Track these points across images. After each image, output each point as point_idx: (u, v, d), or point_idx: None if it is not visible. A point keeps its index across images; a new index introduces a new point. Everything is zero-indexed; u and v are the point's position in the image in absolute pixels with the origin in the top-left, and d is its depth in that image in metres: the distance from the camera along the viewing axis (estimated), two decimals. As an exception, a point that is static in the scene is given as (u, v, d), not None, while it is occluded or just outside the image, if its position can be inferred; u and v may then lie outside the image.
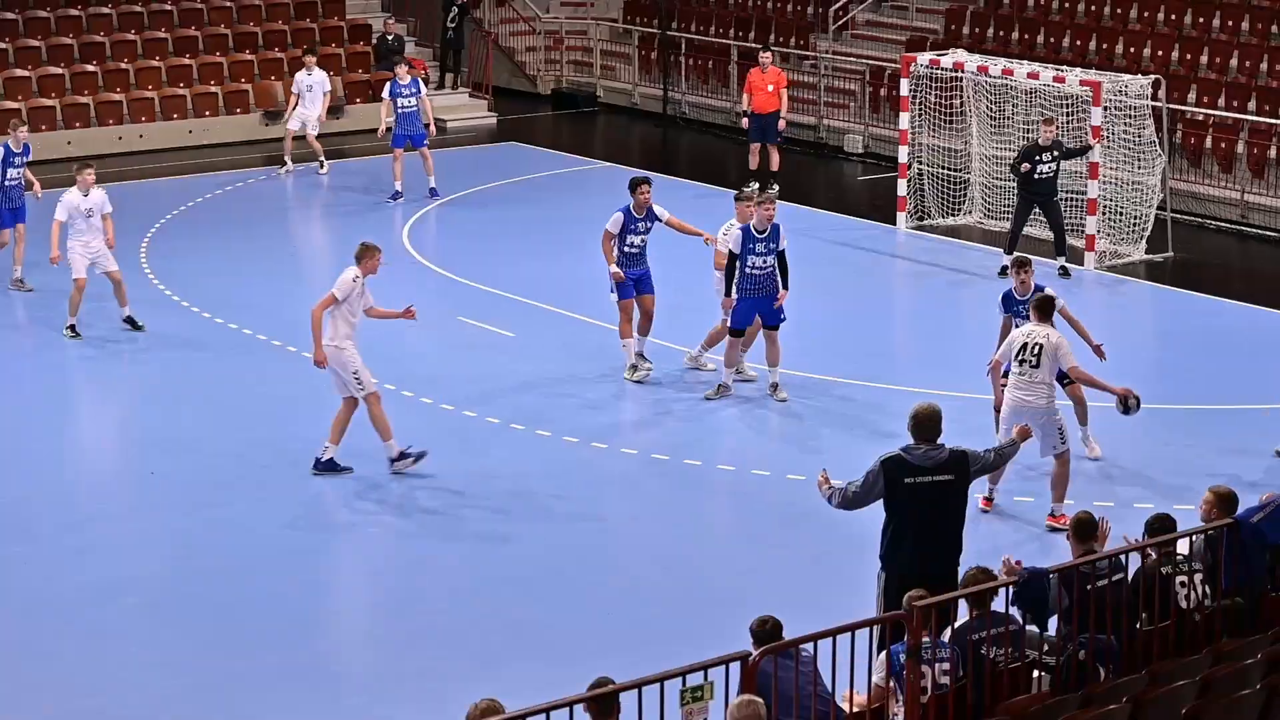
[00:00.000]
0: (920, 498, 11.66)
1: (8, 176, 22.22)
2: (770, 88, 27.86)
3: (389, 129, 27.37)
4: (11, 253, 22.42)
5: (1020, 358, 15.33)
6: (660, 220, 18.97)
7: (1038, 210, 23.30)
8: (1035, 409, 15.17)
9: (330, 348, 16.21)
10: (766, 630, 10.15)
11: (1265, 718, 9.70)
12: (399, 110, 27.17)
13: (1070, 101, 24.60)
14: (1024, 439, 13.05)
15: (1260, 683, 9.84)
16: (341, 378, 16.36)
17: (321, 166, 29.05)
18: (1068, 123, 24.85)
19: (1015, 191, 23.42)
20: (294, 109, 28.99)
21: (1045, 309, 15.69)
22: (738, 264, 17.97)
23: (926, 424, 11.76)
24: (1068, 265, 23.20)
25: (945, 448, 11.78)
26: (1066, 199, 24.44)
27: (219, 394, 18.95)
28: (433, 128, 28.01)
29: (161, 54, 32.49)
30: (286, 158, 29.30)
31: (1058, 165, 22.90)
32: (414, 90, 27.34)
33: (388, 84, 27.76)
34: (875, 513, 11.97)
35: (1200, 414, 18.14)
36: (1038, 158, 22.77)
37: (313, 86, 29.06)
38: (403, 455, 16.50)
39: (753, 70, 28.43)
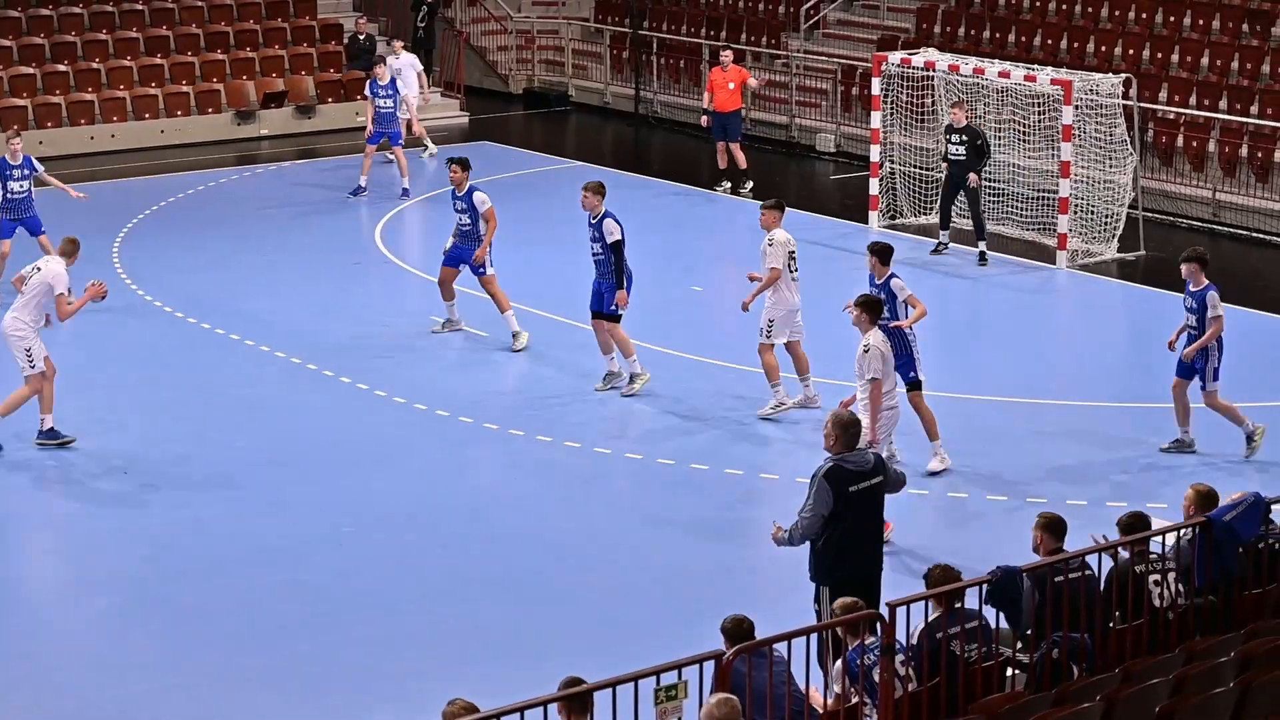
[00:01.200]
0: (861, 504, 11.77)
1: (9, 190, 22.15)
2: (731, 86, 27.88)
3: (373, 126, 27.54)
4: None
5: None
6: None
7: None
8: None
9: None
10: (743, 630, 10.17)
11: (1239, 716, 9.73)
12: (376, 109, 27.28)
13: (1042, 100, 24.67)
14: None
15: (1233, 680, 9.87)
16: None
17: (428, 151, 29.89)
18: (1039, 121, 24.94)
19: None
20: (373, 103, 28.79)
21: (874, 310, 15.11)
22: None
23: (852, 429, 11.91)
24: (987, 252, 23.80)
25: (867, 451, 12.09)
26: (1039, 198, 24.56)
27: (191, 393, 18.90)
28: (416, 126, 28.29)
29: (133, 54, 32.41)
30: (426, 142, 29.98)
31: (967, 150, 23.56)
32: (392, 91, 27.45)
33: (368, 83, 27.85)
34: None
35: (1172, 412, 18.17)
36: (948, 139, 23.76)
37: (401, 69, 29.37)
38: (53, 432, 17.02)
39: (714, 69, 28.48)
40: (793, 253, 17.94)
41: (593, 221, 18.52)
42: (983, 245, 23.84)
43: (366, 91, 27.85)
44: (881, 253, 16.57)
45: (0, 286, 22.07)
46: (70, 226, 25.72)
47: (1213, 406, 16.84)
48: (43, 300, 17.30)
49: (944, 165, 24.21)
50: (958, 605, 10.54)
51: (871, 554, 11.90)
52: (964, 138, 23.62)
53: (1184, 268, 17.02)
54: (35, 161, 22.74)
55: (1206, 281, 16.85)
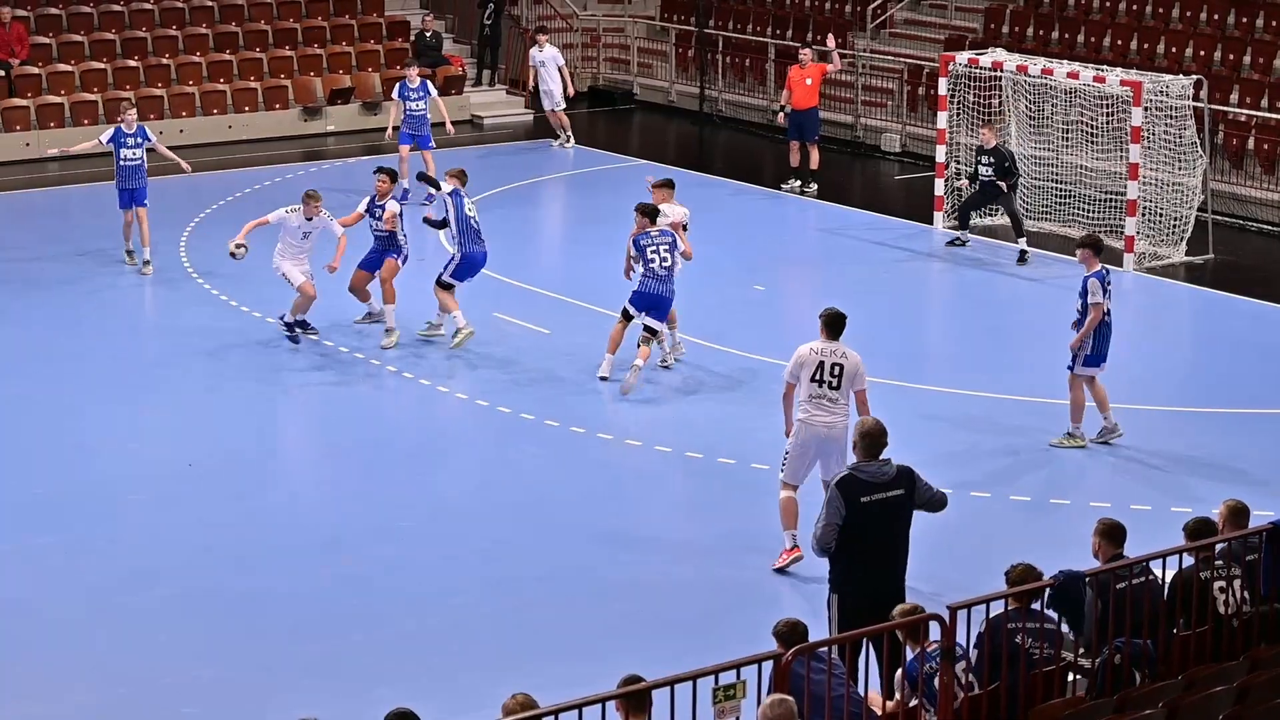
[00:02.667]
0: (874, 516, 11.48)
1: (122, 158, 23.19)
2: (809, 81, 27.81)
3: (396, 129, 27.54)
4: (139, 234, 23.21)
5: (817, 378, 14.22)
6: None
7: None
8: (836, 436, 14.17)
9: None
10: (796, 633, 10.10)
11: (1302, 724, 9.62)
12: (407, 112, 27.29)
13: (1110, 101, 24.50)
14: None
15: (1298, 689, 9.77)
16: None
17: (567, 141, 30.91)
18: (1108, 122, 24.77)
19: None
20: (532, 86, 30.47)
21: (836, 326, 14.42)
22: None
23: (876, 439, 11.61)
24: (1026, 249, 23.89)
25: (891, 461, 11.64)
26: (1107, 200, 24.44)
27: (255, 387, 18.98)
28: (448, 127, 28.34)
29: (202, 50, 32.59)
30: (559, 130, 30.97)
31: (994, 172, 23.81)
32: (423, 94, 27.37)
33: (397, 85, 27.88)
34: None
35: (1239, 418, 18.02)
36: (977, 159, 24.12)
37: (545, 62, 30.27)
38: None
39: (793, 68, 28.39)
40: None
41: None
42: (1023, 243, 23.91)
43: (395, 94, 27.78)
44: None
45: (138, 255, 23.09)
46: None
47: (1070, 387, 17.12)
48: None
49: (973, 185, 24.45)
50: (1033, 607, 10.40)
51: (887, 568, 11.54)
52: (992, 159, 23.77)
53: (1078, 252, 17.49)
54: (149, 131, 23.69)
55: (1098, 268, 17.10)
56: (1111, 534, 11.18)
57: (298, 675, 12.95)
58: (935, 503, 11.88)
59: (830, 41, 28.97)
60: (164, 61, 31.94)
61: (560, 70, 30.85)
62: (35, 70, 30.90)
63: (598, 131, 33.56)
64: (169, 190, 25.67)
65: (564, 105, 30.92)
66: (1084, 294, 16.96)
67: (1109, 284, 17.12)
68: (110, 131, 23.47)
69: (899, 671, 10.23)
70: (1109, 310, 17.05)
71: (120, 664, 13.14)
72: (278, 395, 18.78)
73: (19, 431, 17.75)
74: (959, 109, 26.01)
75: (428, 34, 33.64)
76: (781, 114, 28.37)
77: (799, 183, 27.94)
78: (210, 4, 33.36)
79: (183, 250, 24.13)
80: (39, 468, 16.80)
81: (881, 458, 11.63)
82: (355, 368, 19.59)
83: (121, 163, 23.25)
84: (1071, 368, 17.06)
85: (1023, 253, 23.86)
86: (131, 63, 31.69)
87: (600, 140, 32.36)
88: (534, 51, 31.08)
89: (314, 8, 34.32)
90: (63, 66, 31.22)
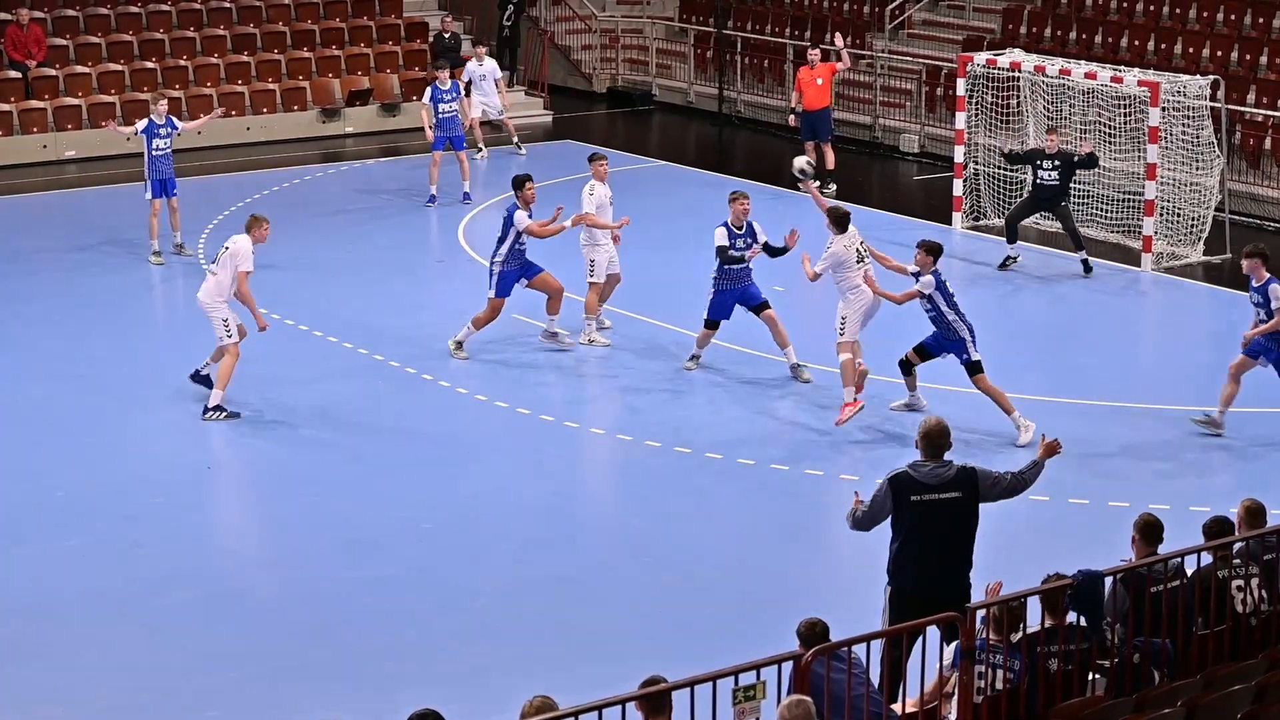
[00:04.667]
0: (927, 515, 11.39)
1: (154, 148, 23.79)
2: (819, 82, 27.81)
3: (433, 128, 27.56)
4: (168, 222, 23.91)
5: (857, 261, 17.83)
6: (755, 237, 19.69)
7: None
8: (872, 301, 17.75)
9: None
10: (815, 633, 10.11)
11: (1321, 723, 9.63)
12: (439, 115, 27.29)
13: (1128, 102, 24.49)
14: (1050, 456, 12.16)
15: (1317, 688, 9.78)
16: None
17: (519, 148, 30.51)
18: (1125, 123, 24.76)
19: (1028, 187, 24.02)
20: (470, 98, 29.46)
21: (843, 223, 18.04)
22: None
23: (935, 440, 11.48)
24: (1089, 259, 23.49)
25: (953, 464, 11.50)
26: (1125, 200, 24.41)
27: (271, 388, 19.02)
28: (477, 124, 28.47)
29: (220, 51, 32.68)
30: (480, 144, 30.20)
31: (1060, 174, 23.33)
32: (454, 95, 27.46)
33: (428, 89, 27.85)
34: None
35: (1258, 417, 18.02)
36: (1039, 163, 23.47)
37: (485, 75, 29.77)
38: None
39: (801, 68, 28.42)
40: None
41: (739, 229, 19.64)
42: (1083, 254, 23.50)
43: (426, 98, 27.70)
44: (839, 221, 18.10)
45: (164, 244, 23.68)
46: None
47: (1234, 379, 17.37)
48: (230, 275, 17.94)
49: (1028, 189, 24.07)
50: (1066, 623, 10.35)
51: (941, 569, 11.44)
52: (1057, 163, 23.32)
53: (1245, 263, 17.41)
54: (177, 122, 24.40)
55: (1268, 275, 17.15)
56: (1145, 531, 11.16)
57: (321, 677, 13.00)
58: (1013, 488, 11.68)
59: (839, 40, 29.00)
60: (182, 63, 32.04)
61: (498, 83, 29.94)
62: (53, 72, 31.01)
63: (616, 132, 33.60)
64: (187, 191, 25.74)
65: (506, 114, 30.14)
66: (1264, 302, 17.14)
67: None
68: (144, 123, 23.90)
69: (953, 645, 10.21)
70: None
71: (144, 667, 13.18)
72: (298, 397, 18.82)
73: (41, 434, 17.82)
74: (977, 109, 26.01)
75: (446, 35, 33.71)
76: (793, 116, 28.39)
77: (818, 183, 27.92)
78: (228, 5, 33.47)
79: (201, 252, 24.20)
80: (60, 470, 16.86)
81: (944, 459, 11.49)
82: (375, 370, 19.64)
83: (154, 153, 23.75)
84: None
85: (1085, 263, 23.42)
86: (149, 64, 31.79)
87: (619, 141, 32.39)
88: (472, 65, 29.79)
89: (332, 9, 34.40)
90: (80, 68, 31.33)
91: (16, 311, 21.84)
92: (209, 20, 33.17)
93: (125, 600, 14.21)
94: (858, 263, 17.95)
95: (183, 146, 30.56)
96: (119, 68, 31.52)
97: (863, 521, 11.64)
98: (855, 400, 17.72)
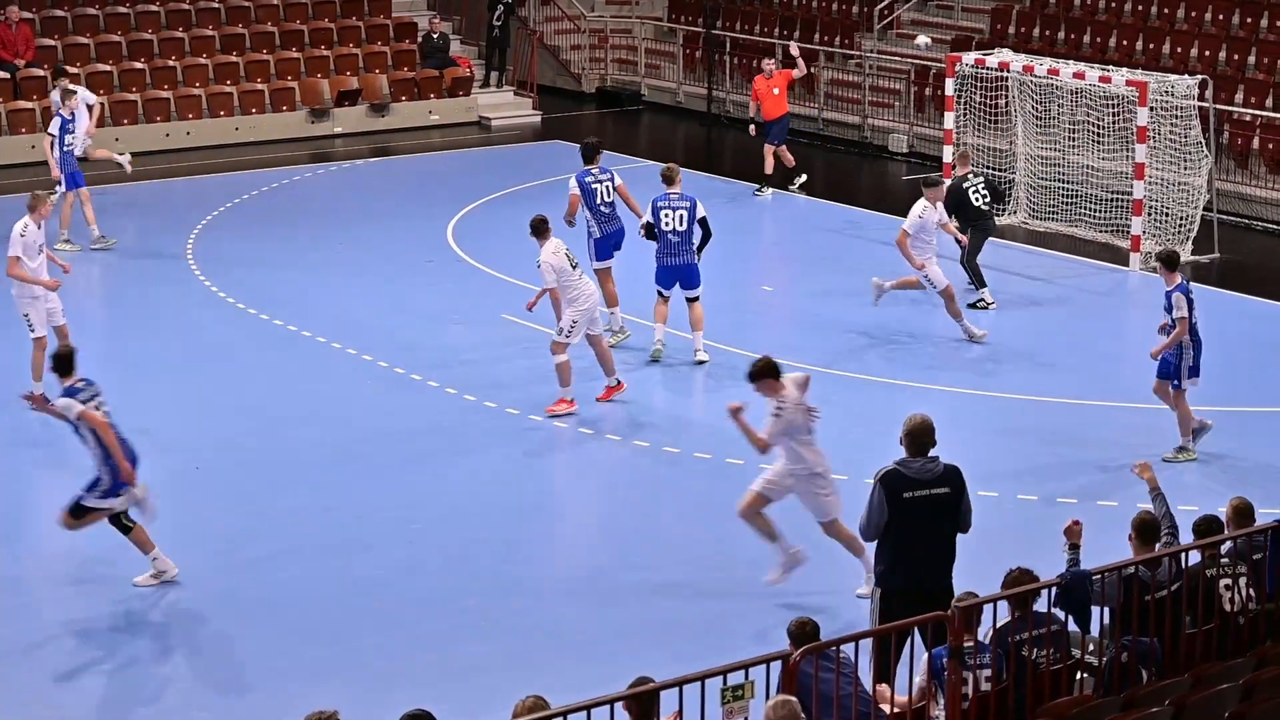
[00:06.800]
0: (918, 512, 11.43)
1: (66, 143, 23.93)
2: (776, 91, 27.68)
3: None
4: (82, 216, 23.98)
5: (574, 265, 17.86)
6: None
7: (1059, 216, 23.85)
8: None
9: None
10: (806, 632, 10.13)
11: (1308, 722, 9.65)
12: (64, 148, 24.06)
13: (1116, 102, 24.52)
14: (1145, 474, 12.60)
15: (1304, 686, 9.80)
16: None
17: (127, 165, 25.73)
18: (1114, 122, 24.80)
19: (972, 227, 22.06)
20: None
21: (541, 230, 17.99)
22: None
23: (921, 437, 11.52)
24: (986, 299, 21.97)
25: (939, 460, 11.57)
26: (1113, 200, 24.49)
27: (261, 388, 19.02)
28: (99, 154, 25.42)
29: (209, 52, 32.65)
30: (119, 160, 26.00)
31: (988, 194, 22.15)
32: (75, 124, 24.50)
33: (56, 119, 24.26)
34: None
35: (1245, 417, 18.05)
36: (971, 191, 21.97)
37: (90, 103, 25.83)
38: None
39: (758, 78, 28.28)
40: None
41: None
42: (984, 292, 21.98)
43: (54, 128, 24.23)
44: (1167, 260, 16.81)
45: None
46: (147, 222, 26.11)
47: (1177, 406, 16.82)
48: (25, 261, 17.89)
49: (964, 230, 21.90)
50: (1034, 610, 10.44)
51: (930, 565, 11.51)
52: (982, 180, 22.26)
53: (1156, 267, 17.26)
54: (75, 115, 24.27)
55: (1179, 280, 16.72)
56: (1142, 530, 11.18)
57: (311, 678, 12.99)
58: (966, 519, 11.74)
59: (794, 49, 28.90)
60: (170, 63, 32.01)
61: (90, 109, 25.48)
62: (41, 73, 30.96)
63: (605, 132, 33.56)
64: (174, 192, 25.74)
65: (89, 145, 25.12)
66: (1169, 309, 16.67)
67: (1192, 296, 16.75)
68: (57, 121, 24.03)
69: (925, 656, 10.25)
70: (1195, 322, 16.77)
71: (131, 668, 13.18)
72: (286, 398, 18.82)
73: (27, 435, 17.78)
74: (966, 109, 26.04)
75: (435, 35, 33.71)
76: (753, 126, 28.39)
77: (802, 180, 27.88)
78: (216, 6, 33.44)
79: (189, 253, 24.19)
80: (50, 471, 16.82)
81: (931, 455, 11.55)
82: (364, 369, 19.64)
83: (66, 148, 23.97)
84: (1178, 384, 16.74)
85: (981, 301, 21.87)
86: (138, 65, 31.75)
87: (608, 142, 32.27)
88: (56, 95, 25.12)
89: (320, 9, 34.38)
90: (68, 69, 31.21)
91: (3, 314, 21.78)
92: (197, 21, 33.13)
93: (113, 602, 14.18)
94: (573, 268, 17.95)
95: (172, 147, 30.72)
96: (107, 68, 31.48)
97: (868, 530, 11.63)
98: (571, 400, 18.04)
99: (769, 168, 27.75)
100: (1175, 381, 16.71)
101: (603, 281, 19.87)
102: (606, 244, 20.04)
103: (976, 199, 21.95)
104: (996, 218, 23.16)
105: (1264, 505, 12.79)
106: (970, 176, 22.19)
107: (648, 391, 18.85)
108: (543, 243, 18.06)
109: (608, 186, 20.05)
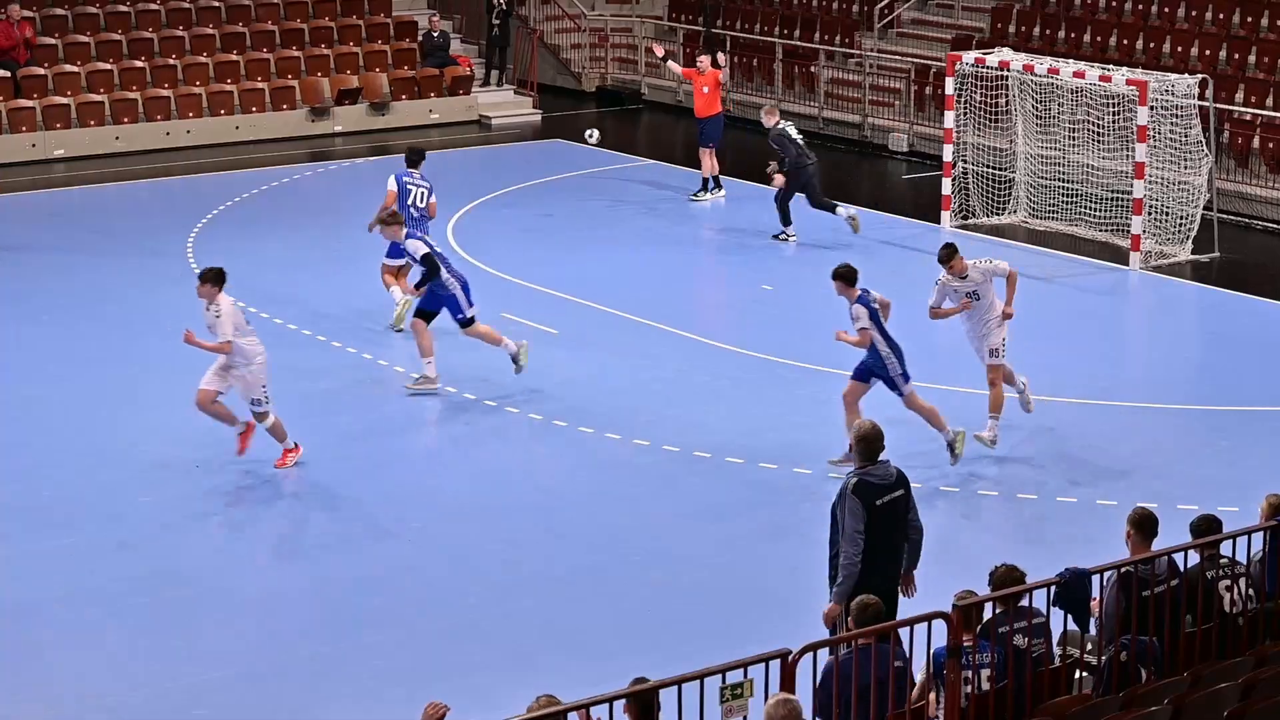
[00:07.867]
0: (885, 517, 11.48)
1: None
2: (706, 90, 27.40)
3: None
4: None
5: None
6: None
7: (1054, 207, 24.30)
8: None
9: None
10: (868, 615, 10.12)
11: (1308, 721, 9.65)
12: None
13: (1116, 101, 24.52)
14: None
15: (1303, 686, 9.79)
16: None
17: None
18: (1114, 121, 24.80)
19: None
20: None
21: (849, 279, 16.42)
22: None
23: (876, 443, 11.56)
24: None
25: (890, 463, 11.64)
26: (1113, 199, 24.50)
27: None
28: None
29: (209, 50, 32.66)
30: None
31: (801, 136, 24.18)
32: None
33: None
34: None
35: (1246, 415, 18.06)
36: (786, 129, 24.18)
37: None
38: None
39: (690, 70, 28.04)
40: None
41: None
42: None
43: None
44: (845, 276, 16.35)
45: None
46: (147, 221, 26.13)
47: (912, 408, 16.55)
48: None
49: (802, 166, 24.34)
50: (1020, 604, 10.46)
51: (890, 570, 11.57)
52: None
53: (834, 285, 16.55)
54: None
55: (858, 293, 16.39)
56: (1140, 525, 11.14)
57: (310, 676, 13.00)
58: (919, 520, 11.76)
59: (720, 57, 28.95)
60: (170, 62, 32.01)
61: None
62: (41, 71, 30.98)
63: (606, 131, 33.58)
64: (176, 191, 25.76)
65: None
66: (853, 319, 16.40)
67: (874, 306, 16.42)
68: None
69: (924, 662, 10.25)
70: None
71: (132, 666, 13.19)
72: (285, 396, 18.80)
73: (30, 433, 17.81)
74: (966, 108, 26.04)
75: (435, 34, 33.72)
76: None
77: (705, 191, 27.37)
78: (217, 4, 33.45)
79: (190, 251, 24.19)
80: (48, 470, 16.85)
81: (882, 459, 11.60)
82: (361, 369, 19.64)
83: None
84: (900, 392, 16.47)
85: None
86: (138, 63, 31.76)
87: (608, 141, 32.39)
88: None
89: (321, 8, 34.38)
90: (69, 67, 31.29)
91: (4, 310, 21.81)
92: (198, 19, 33.14)
93: (112, 600, 14.19)
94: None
95: (173, 145, 30.73)
96: (108, 67, 31.48)
97: (853, 544, 11.47)
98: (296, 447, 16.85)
99: (706, 170, 27.46)
100: (898, 392, 16.48)
101: (395, 277, 20.65)
102: (398, 248, 19.72)
103: (800, 138, 24.09)
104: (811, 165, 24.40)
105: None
106: (783, 122, 24.10)
107: (648, 392, 18.85)
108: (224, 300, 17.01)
109: (422, 193, 20.71)
